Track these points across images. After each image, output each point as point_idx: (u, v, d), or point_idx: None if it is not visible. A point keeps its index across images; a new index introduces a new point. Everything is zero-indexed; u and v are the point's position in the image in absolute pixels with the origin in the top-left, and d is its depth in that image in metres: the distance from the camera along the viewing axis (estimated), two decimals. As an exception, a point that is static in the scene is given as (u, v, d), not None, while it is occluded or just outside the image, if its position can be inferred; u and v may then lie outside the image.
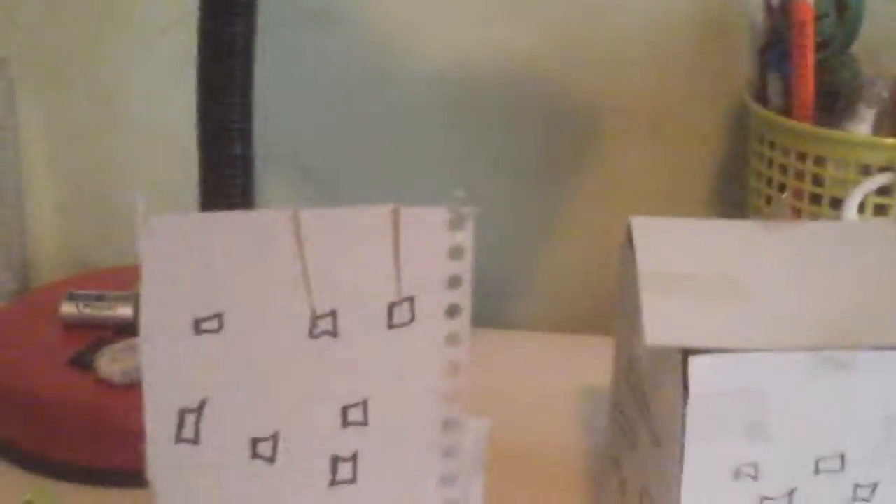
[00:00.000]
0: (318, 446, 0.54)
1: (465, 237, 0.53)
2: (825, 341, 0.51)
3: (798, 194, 0.79)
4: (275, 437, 0.53)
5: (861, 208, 0.76)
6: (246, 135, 0.78)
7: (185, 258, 0.50)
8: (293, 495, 0.54)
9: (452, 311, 0.54)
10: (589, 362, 0.75)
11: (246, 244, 0.51)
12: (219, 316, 0.51)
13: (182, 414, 0.51)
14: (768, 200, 0.81)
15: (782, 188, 0.79)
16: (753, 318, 0.53)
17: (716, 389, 0.51)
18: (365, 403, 0.54)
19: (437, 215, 0.53)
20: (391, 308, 0.53)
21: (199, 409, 0.52)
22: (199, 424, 0.52)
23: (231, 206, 0.78)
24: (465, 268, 0.53)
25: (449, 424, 0.56)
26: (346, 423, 0.54)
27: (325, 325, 0.52)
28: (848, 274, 0.57)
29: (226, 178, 0.78)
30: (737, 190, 0.92)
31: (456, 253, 0.53)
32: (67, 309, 0.76)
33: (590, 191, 0.94)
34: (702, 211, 0.93)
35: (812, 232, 0.62)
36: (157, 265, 0.50)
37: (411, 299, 0.53)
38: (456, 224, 0.53)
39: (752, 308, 0.54)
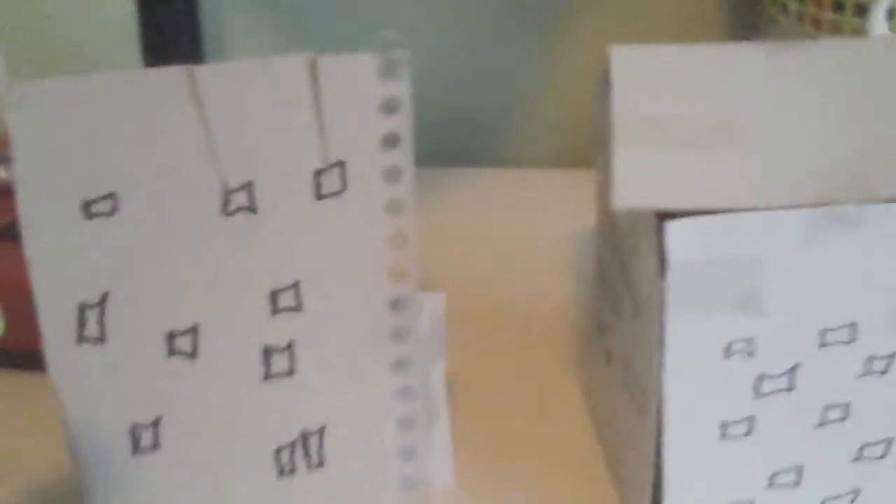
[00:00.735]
0: (245, 337, 0.47)
1: (399, 87, 0.45)
2: (829, 195, 0.43)
3: (818, 2, 0.69)
4: (194, 330, 0.46)
5: (890, 15, 0.66)
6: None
7: (65, 131, 0.42)
8: (222, 392, 0.47)
9: (391, 175, 0.46)
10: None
11: (136, 111, 0.43)
12: (112, 196, 0.43)
13: (82, 310, 0.45)
14: (785, 8, 0.72)
15: (800, 18, 0.70)
16: (746, 169, 0.45)
17: (698, 256, 0.43)
18: (297, 286, 0.47)
19: (365, 63, 0.44)
20: (318, 176, 0.45)
21: (102, 304, 0.45)
22: (103, 320, 0.45)
23: (176, 49, 0.70)
24: (402, 123, 0.45)
25: (398, 304, 0.49)
26: (276, 309, 0.47)
27: (240, 199, 0.45)
28: (865, 106, 0.48)
29: (167, 24, 0.70)
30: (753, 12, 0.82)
31: (390, 106, 0.45)
32: (-1, 174, 0.69)
33: (589, 11, 0.84)
34: (712, 32, 0.83)
35: (825, 54, 0.52)
36: (30, 141, 0.42)
37: (341, 164, 0.45)
38: (388, 72, 0.44)
39: (746, 155, 0.46)
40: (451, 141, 0.86)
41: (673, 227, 0.42)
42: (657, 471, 0.48)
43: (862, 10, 0.66)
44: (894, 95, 0.48)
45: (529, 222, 0.75)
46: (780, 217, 0.43)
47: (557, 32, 0.85)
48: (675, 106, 0.48)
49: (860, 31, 0.66)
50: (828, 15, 0.68)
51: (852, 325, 0.45)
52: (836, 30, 0.68)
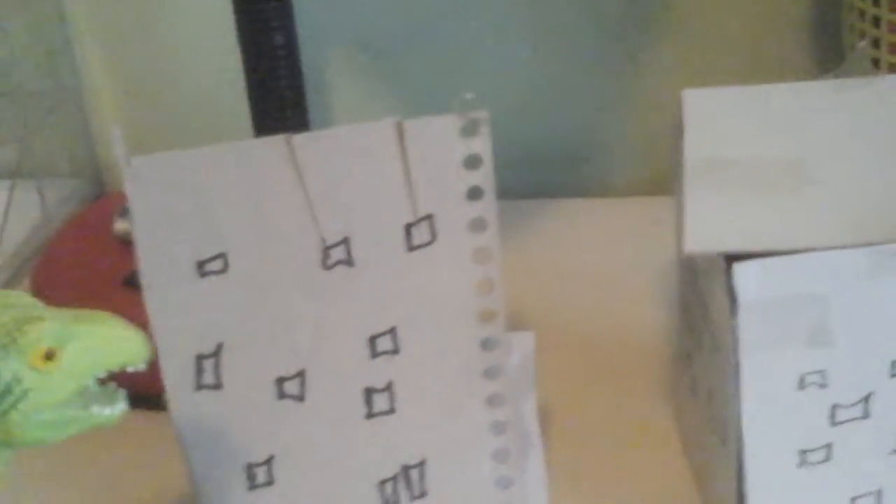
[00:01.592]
0: (348, 380, 0.50)
1: (480, 144, 0.48)
2: (891, 232, 0.45)
3: (894, 28, 0.70)
4: (301, 375, 0.50)
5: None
6: (287, 23, 0.74)
7: (178, 198, 0.46)
8: (329, 431, 0.51)
9: (477, 225, 0.50)
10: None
11: (241, 177, 0.47)
12: (222, 256, 0.47)
13: (199, 360, 0.49)
14: (863, 35, 0.73)
15: (877, 22, 0.71)
16: (812, 208, 0.47)
17: (767, 296, 0.46)
18: (393, 331, 0.50)
19: (447, 124, 0.48)
20: (409, 229, 0.49)
21: (217, 354, 0.49)
22: (218, 369, 0.49)
23: (280, 97, 0.74)
24: (484, 177, 0.49)
25: (488, 344, 0.52)
26: (375, 353, 0.50)
27: (337, 254, 0.49)
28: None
29: (270, 69, 0.74)
30: (830, 47, 0.83)
31: (472, 162, 0.48)
32: (121, 226, 0.74)
33: (670, 51, 0.86)
34: (791, 74, 0.84)
35: (890, 88, 0.54)
36: (147, 209, 0.46)
37: (430, 217, 0.49)
38: (469, 130, 0.48)
39: (812, 195, 0.48)
40: (538, 172, 0.88)
41: (740, 270, 0.45)
42: (741, 498, 0.50)
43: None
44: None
45: (618, 252, 0.77)
46: (843, 256, 0.45)
47: (642, 60, 0.87)
48: (744, 148, 0.50)
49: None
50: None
51: (921, 355, 0.47)
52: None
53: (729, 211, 0.48)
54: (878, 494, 0.50)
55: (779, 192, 0.48)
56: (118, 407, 0.41)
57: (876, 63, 0.72)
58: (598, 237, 0.80)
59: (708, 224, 0.47)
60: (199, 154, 0.46)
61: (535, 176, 0.88)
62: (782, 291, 0.46)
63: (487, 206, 0.49)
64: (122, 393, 0.42)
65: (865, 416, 0.48)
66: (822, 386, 0.48)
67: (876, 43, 0.72)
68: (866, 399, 0.48)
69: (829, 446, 0.49)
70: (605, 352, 0.68)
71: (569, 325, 0.70)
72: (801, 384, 0.48)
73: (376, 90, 0.89)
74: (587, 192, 0.88)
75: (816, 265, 0.45)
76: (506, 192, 0.80)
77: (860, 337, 0.47)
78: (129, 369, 0.41)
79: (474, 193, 0.49)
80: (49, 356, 0.39)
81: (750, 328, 0.46)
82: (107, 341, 0.40)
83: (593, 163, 0.90)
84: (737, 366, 0.47)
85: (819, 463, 0.49)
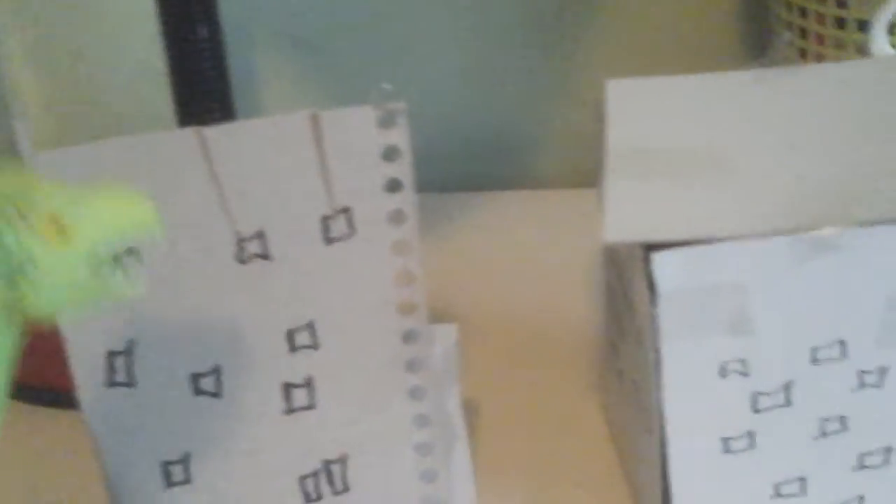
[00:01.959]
0: (265, 375, 0.50)
1: (398, 135, 0.47)
2: (811, 220, 0.45)
3: (820, 19, 0.70)
4: (217, 371, 0.49)
5: (892, 29, 0.68)
6: (211, 14, 0.72)
7: (86, 193, 0.45)
8: (247, 428, 0.50)
9: (396, 218, 0.49)
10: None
11: (151, 170, 0.46)
12: (132, 250, 0.46)
13: (110, 357, 0.48)
14: (790, 26, 0.73)
15: (804, 13, 0.71)
16: (732, 197, 0.47)
17: (687, 285, 0.45)
18: (312, 325, 0.49)
19: (364, 115, 0.47)
20: (326, 222, 0.48)
21: (129, 351, 0.48)
22: (131, 366, 0.48)
23: (205, 91, 0.73)
24: (403, 169, 0.48)
25: (409, 336, 0.51)
26: (293, 347, 0.49)
27: (253, 247, 0.48)
28: (847, 130, 0.50)
29: (193, 62, 0.73)
30: (758, 37, 0.83)
31: (391, 154, 0.48)
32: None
33: (600, 42, 0.86)
34: (719, 64, 0.84)
35: (813, 79, 0.54)
36: (55, 204, 0.45)
37: (347, 210, 0.48)
38: (386, 122, 0.47)
39: (732, 184, 0.48)
40: (467, 165, 0.88)
41: (659, 259, 0.45)
42: (665, 486, 0.50)
43: (864, 26, 0.68)
44: (875, 119, 0.50)
45: (546, 244, 0.77)
46: (762, 245, 0.45)
47: (571, 52, 0.87)
48: (666, 138, 0.50)
49: (863, 47, 0.67)
50: (830, 31, 0.70)
51: (842, 343, 0.47)
52: (839, 46, 0.69)
53: (650, 200, 0.47)
54: (802, 481, 0.50)
55: (700, 182, 0.48)
56: (130, 275, 0.39)
57: (803, 53, 0.72)
58: (527, 229, 0.79)
59: (628, 213, 0.47)
60: (107, 146, 0.45)
61: (463, 169, 0.88)
62: (702, 280, 0.45)
63: (406, 199, 0.48)
64: (134, 260, 0.39)
65: (787, 403, 0.48)
66: (744, 374, 0.47)
67: (803, 33, 0.72)
68: (787, 386, 0.48)
69: (751, 434, 0.49)
70: (534, 344, 0.68)
71: (497, 317, 0.70)
72: (723, 372, 0.47)
73: (305, 84, 0.88)
74: (516, 185, 0.88)
75: (736, 254, 0.45)
76: (434, 185, 0.80)
77: (781, 325, 0.46)
78: (143, 239, 0.39)
79: (393, 185, 0.48)
80: (58, 227, 0.37)
81: (670, 317, 0.46)
82: (115, 209, 0.38)
83: (522, 155, 0.90)
84: (658, 355, 0.47)
85: (742, 450, 0.49)
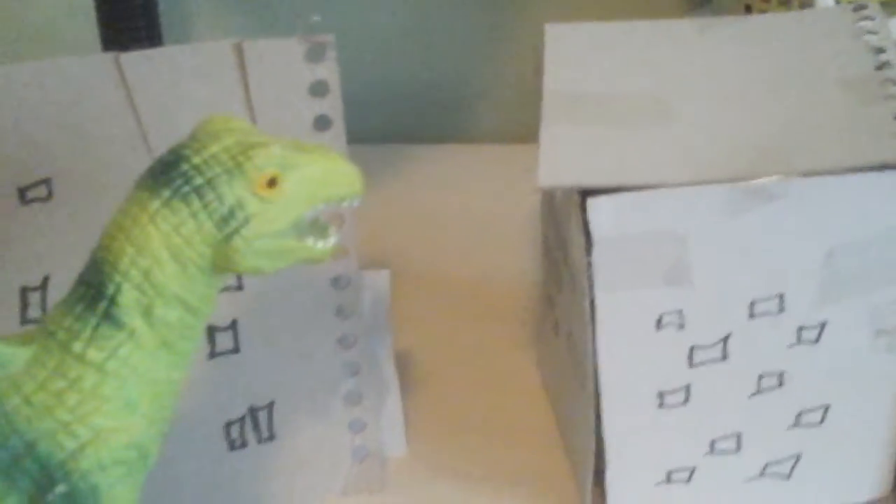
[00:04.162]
0: (187, 316, 0.47)
1: (327, 70, 0.45)
2: (751, 169, 0.43)
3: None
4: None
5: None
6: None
7: (-5, 119, 0.43)
8: (167, 370, 0.48)
9: (325, 156, 0.47)
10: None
11: (65, 98, 0.43)
12: (46, 182, 0.44)
13: (24, 293, 0.46)
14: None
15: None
16: (671, 145, 0.45)
17: (622, 233, 0.44)
18: (236, 267, 0.47)
19: (290, 47, 0.45)
20: (251, 157, 0.46)
21: (43, 287, 0.46)
22: (45, 303, 0.46)
23: (131, 27, 0.71)
24: (332, 106, 0.46)
25: (339, 281, 0.49)
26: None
27: (173, 181, 0.45)
28: (792, 80, 0.48)
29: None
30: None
31: (319, 89, 0.46)
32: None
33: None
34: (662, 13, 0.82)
35: (755, 29, 0.53)
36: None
37: (273, 146, 0.46)
38: (315, 55, 0.45)
39: (672, 131, 0.46)
40: (407, 117, 0.86)
41: (594, 204, 0.43)
42: (600, 440, 0.49)
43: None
44: (816, 69, 0.49)
45: (486, 197, 0.75)
46: (700, 192, 0.43)
47: (514, 5, 0.85)
48: (605, 83, 0.48)
49: (808, 1, 0.65)
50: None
51: (780, 297, 0.46)
52: (784, 1, 0.68)
53: (587, 146, 0.46)
54: (738, 437, 0.49)
55: (639, 129, 0.46)
56: (330, 241, 0.39)
57: (748, 9, 0.70)
58: (467, 182, 0.78)
59: (564, 159, 0.45)
60: (16, 71, 0.43)
61: (403, 120, 0.85)
62: (639, 228, 0.44)
63: (336, 137, 0.46)
64: (332, 227, 0.39)
65: (724, 357, 0.47)
66: (680, 326, 0.46)
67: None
68: (725, 340, 0.46)
69: (687, 388, 0.48)
70: (471, 296, 0.66)
71: (435, 269, 0.68)
72: (659, 324, 0.46)
73: (239, 25, 0.85)
74: (457, 138, 0.86)
75: (673, 201, 0.43)
76: (373, 136, 0.78)
77: (719, 276, 0.45)
78: (345, 204, 0.39)
79: (321, 123, 0.46)
80: (272, 183, 0.37)
81: (605, 265, 0.44)
82: (327, 173, 0.38)
83: (463, 108, 0.88)
84: (593, 305, 0.45)
85: (678, 405, 0.48)
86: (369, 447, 0.53)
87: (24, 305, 0.46)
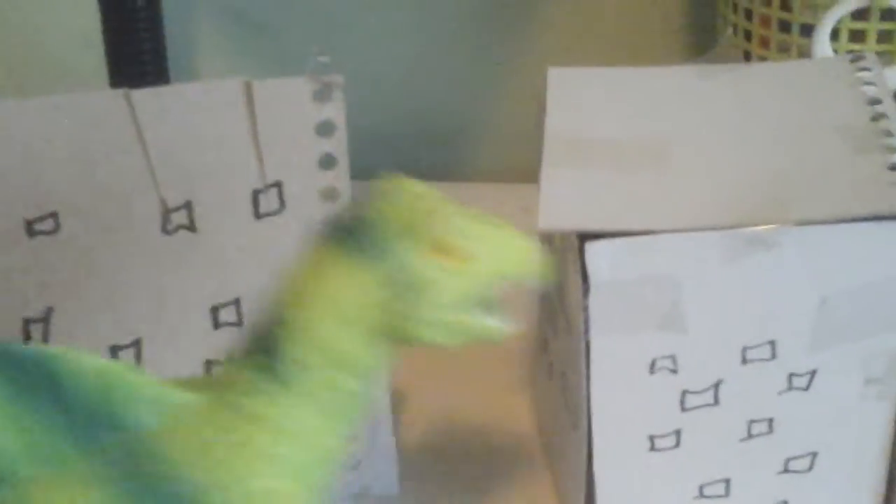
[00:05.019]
0: (188, 351, 0.48)
1: (334, 110, 0.46)
2: (746, 217, 0.44)
3: (765, 22, 0.70)
4: (137, 344, 0.47)
5: (835, 35, 0.68)
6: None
7: (4, 153, 0.44)
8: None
9: (329, 195, 0.48)
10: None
11: (75, 133, 0.44)
12: (53, 216, 0.45)
13: (26, 324, 0.46)
14: (735, 28, 0.73)
15: (749, 15, 0.71)
16: (670, 191, 0.46)
17: (619, 277, 0.44)
18: (238, 302, 0.48)
19: (299, 86, 0.46)
20: (256, 195, 0.47)
21: (46, 319, 0.46)
22: (47, 335, 0.46)
23: (141, 62, 0.72)
24: (338, 145, 0.47)
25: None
26: (217, 324, 0.48)
27: (179, 218, 0.46)
28: (791, 128, 0.50)
29: (130, 31, 0.71)
30: (705, 36, 0.83)
31: (325, 128, 0.46)
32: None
33: (545, 33, 0.85)
34: (664, 61, 0.84)
35: (756, 76, 0.54)
36: (-27, 162, 0.43)
37: (279, 184, 0.47)
38: (322, 95, 0.46)
39: (670, 177, 0.47)
40: (409, 155, 0.87)
41: (592, 249, 0.44)
42: (590, 482, 0.49)
43: (808, 30, 0.68)
44: (814, 118, 0.50)
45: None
46: (697, 238, 0.44)
47: (517, 47, 0.86)
48: (605, 128, 0.49)
49: (806, 52, 0.67)
50: (775, 35, 0.70)
51: (772, 343, 0.46)
52: (784, 49, 0.69)
53: (587, 190, 0.46)
54: (727, 482, 0.50)
55: (638, 174, 0.47)
56: (507, 322, 0.38)
57: (747, 56, 0.72)
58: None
59: (564, 202, 0.46)
60: (28, 106, 0.43)
61: (405, 158, 0.86)
62: (635, 273, 0.45)
63: (341, 176, 0.47)
64: (503, 310, 0.38)
65: (715, 402, 0.48)
66: (673, 371, 0.47)
67: (748, 36, 0.72)
68: (716, 386, 0.47)
69: (678, 432, 0.48)
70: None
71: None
72: (653, 368, 0.47)
73: (246, 62, 0.86)
74: (457, 177, 0.87)
75: (670, 247, 0.44)
76: (376, 173, 0.78)
77: (712, 322, 0.46)
78: (523, 283, 0.37)
79: (327, 161, 0.47)
80: (452, 253, 0.36)
81: (602, 309, 0.45)
82: (508, 248, 0.37)
83: (464, 147, 0.89)
84: (588, 347, 0.46)
85: (668, 449, 0.49)
86: (362, 483, 0.53)
87: (27, 336, 0.46)
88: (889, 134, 0.48)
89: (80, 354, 0.33)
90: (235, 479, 0.34)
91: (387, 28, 0.86)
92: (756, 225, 0.44)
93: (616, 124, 0.49)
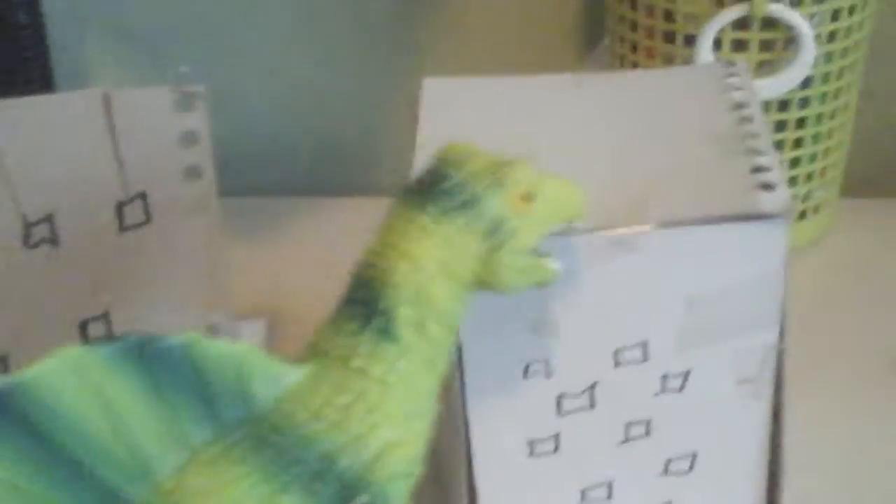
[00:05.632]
0: (55, 368, 0.47)
1: (197, 120, 0.46)
2: (610, 221, 0.44)
3: (650, 34, 0.71)
4: (4, 360, 0.46)
5: (717, 45, 0.69)
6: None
7: None
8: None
9: (195, 207, 0.47)
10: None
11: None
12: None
13: None
14: (622, 40, 0.73)
15: (634, 27, 0.71)
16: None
17: (489, 282, 0.44)
18: (107, 316, 0.47)
19: (159, 96, 0.45)
20: (120, 207, 0.46)
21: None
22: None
23: (26, 80, 0.70)
24: (203, 156, 0.46)
25: (213, 331, 0.49)
26: (86, 339, 0.47)
27: (41, 232, 0.45)
28: (661, 134, 0.50)
29: (13, 50, 0.70)
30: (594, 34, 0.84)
31: (189, 139, 0.46)
32: None
33: (440, 46, 0.86)
34: (555, 62, 0.85)
35: (631, 84, 0.54)
36: None
37: (143, 196, 0.46)
38: (184, 105, 0.45)
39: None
40: (295, 169, 0.87)
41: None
42: (472, 489, 0.49)
43: (692, 40, 0.68)
44: (683, 123, 0.50)
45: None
46: (562, 242, 0.44)
47: (407, 58, 0.86)
48: (477, 138, 0.49)
49: (691, 61, 0.68)
50: (659, 46, 0.70)
51: (643, 345, 0.47)
52: (668, 61, 0.70)
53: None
54: (609, 485, 0.50)
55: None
56: (558, 263, 0.41)
57: (634, 67, 0.73)
58: (354, 235, 0.77)
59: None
60: None
61: (291, 173, 0.86)
62: (504, 276, 0.44)
63: (206, 187, 0.47)
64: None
65: (591, 406, 0.48)
66: (548, 375, 0.47)
67: (633, 48, 0.72)
68: (591, 389, 0.47)
69: (557, 436, 0.48)
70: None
71: (318, 319, 0.68)
72: (527, 372, 0.47)
73: (134, 80, 0.85)
74: (347, 191, 0.86)
75: (537, 250, 0.44)
76: (261, 189, 0.78)
77: (583, 325, 0.46)
78: (575, 224, 0.42)
79: (192, 172, 0.46)
80: (527, 198, 0.39)
81: (471, 312, 0.45)
82: (568, 192, 0.41)
83: (353, 161, 0.89)
84: (459, 351, 0.46)
85: (548, 453, 0.48)
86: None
87: None
88: (753, 137, 0.48)
89: (210, 339, 0.35)
90: (362, 436, 0.36)
91: (285, 44, 0.85)
92: (620, 228, 0.44)
93: (488, 132, 0.49)
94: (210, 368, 0.34)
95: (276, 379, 0.36)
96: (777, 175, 0.46)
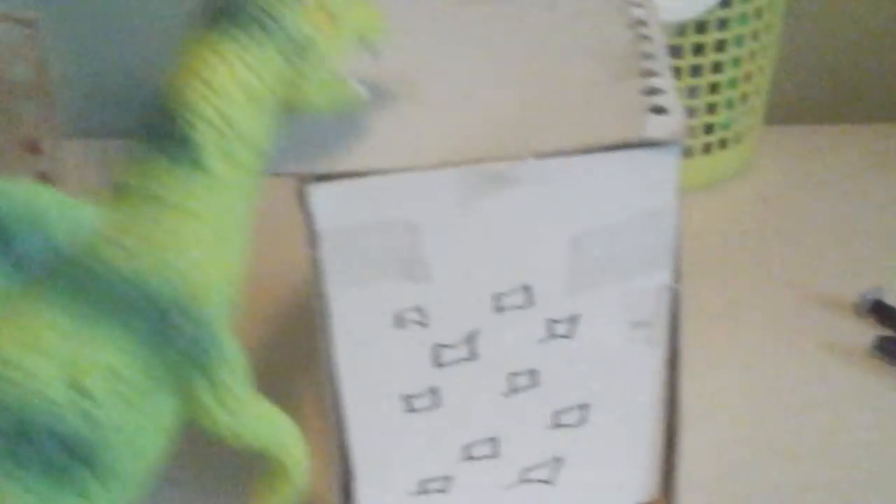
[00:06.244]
0: None
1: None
2: (486, 152, 0.40)
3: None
4: None
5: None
6: None
7: None
8: None
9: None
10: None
11: None
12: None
13: None
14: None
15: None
16: (413, 127, 0.42)
17: (351, 223, 0.40)
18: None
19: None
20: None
21: None
22: None
23: None
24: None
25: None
26: None
27: None
28: (551, 57, 0.45)
29: None
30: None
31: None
32: None
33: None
34: None
35: (517, 7, 0.50)
36: None
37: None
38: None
39: (417, 115, 0.43)
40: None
41: (316, 192, 0.39)
42: (344, 447, 0.45)
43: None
44: (575, 42, 0.46)
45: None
46: (430, 177, 0.40)
47: None
48: (351, 63, 0.45)
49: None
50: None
51: (527, 288, 0.42)
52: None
53: (318, 129, 0.42)
54: (494, 441, 0.46)
55: (382, 111, 0.43)
56: (364, 87, 0.41)
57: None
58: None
59: (294, 144, 0.41)
60: None
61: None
62: (370, 218, 0.40)
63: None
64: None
65: (472, 356, 0.44)
66: (423, 324, 0.42)
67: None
68: (471, 338, 0.43)
69: (435, 390, 0.44)
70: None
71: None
72: (399, 322, 0.42)
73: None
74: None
75: (403, 187, 0.40)
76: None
77: (459, 269, 0.42)
78: (374, 43, 0.42)
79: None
80: (329, 18, 0.39)
81: (335, 260, 0.41)
82: (368, 14, 0.41)
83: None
84: (325, 303, 0.42)
85: (426, 409, 0.44)
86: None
87: None
88: (648, 57, 0.44)
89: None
90: (167, 260, 0.36)
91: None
92: (495, 160, 0.40)
93: (364, 58, 0.44)
94: (2, 207, 0.35)
95: (74, 216, 0.36)
96: (671, 98, 0.41)
